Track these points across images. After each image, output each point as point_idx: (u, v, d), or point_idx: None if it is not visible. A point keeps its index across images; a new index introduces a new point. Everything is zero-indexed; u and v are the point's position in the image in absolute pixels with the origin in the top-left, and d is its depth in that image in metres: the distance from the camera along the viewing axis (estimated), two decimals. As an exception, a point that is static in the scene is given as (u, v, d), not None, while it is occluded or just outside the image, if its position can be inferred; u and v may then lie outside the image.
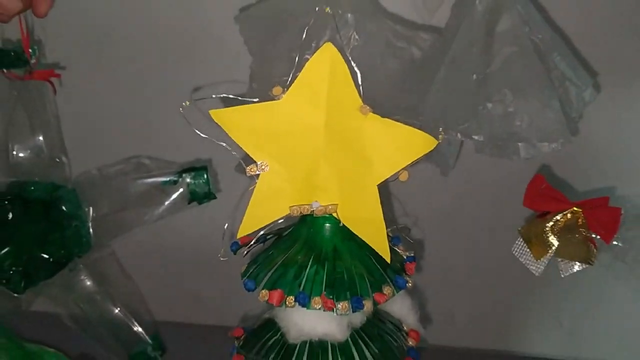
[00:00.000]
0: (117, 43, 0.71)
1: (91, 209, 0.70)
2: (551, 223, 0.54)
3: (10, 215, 0.68)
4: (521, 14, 0.58)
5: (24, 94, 0.69)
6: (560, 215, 0.54)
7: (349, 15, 0.60)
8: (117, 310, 0.74)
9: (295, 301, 0.44)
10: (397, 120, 0.43)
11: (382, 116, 0.45)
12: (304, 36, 0.43)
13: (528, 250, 0.54)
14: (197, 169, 0.70)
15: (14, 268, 0.68)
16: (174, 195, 0.70)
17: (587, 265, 0.52)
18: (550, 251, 0.54)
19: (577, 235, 0.53)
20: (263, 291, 0.45)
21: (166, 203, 0.70)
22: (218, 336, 0.58)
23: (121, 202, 0.71)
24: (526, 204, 0.55)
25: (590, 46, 0.64)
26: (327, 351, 0.46)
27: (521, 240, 0.55)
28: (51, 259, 0.69)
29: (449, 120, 0.58)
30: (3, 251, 0.68)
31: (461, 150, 0.67)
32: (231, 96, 0.44)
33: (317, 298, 0.44)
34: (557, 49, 0.60)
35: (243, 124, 0.43)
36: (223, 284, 0.74)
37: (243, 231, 0.45)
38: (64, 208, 0.70)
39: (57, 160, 0.72)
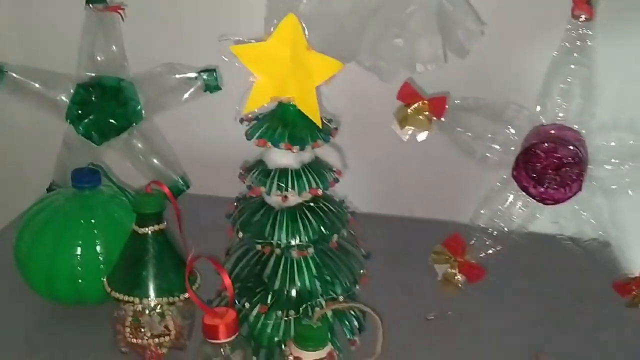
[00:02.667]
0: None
1: (142, 95, 0.94)
2: (410, 109, 0.77)
3: (93, 97, 0.93)
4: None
5: (103, 20, 0.91)
6: (416, 104, 0.77)
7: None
8: (157, 159, 1.00)
9: (272, 144, 0.67)
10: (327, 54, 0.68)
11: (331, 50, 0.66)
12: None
13: (398, 125, 0.78)
14: (209, 70, 0.92)
15: (94, 129, 0.94)
16: (194, 87, 0.93)
17: (428, 132, 0.78)
18: (408, 125, 0.77)
19: (422, 117, 0.78)
20: (255, 140, 0.68)
21: (189, 91, 0.94)
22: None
23: (161, 90, 0.94)
24: (398, 98, 0.78)
25: (481, 4, 0.86)
26: (288, 173, 0.69)
27: (394, 119, 0.78)
28: (118, 125, 0.94)
29: (370, 50, 0.82)
30: (88, 118, 0.93)
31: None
32: (241, 39, 0.67)
33: (282, 143, 0.67)
34: (460, 7, 0.81)
35: (249, 54, 0.66)
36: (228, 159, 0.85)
37: (246, 110, 0.67)
38: (126, 93, 0.93)
39: (122, 62, 0.94)
